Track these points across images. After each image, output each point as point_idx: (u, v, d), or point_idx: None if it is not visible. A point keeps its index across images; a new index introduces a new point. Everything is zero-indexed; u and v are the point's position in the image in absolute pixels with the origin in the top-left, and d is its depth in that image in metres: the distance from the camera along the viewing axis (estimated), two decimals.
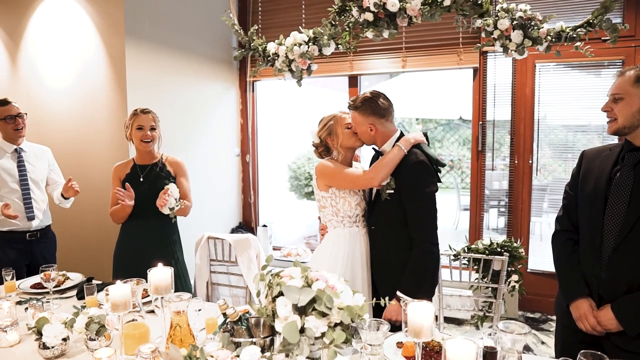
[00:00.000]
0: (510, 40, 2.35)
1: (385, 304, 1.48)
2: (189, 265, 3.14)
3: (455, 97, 7.10)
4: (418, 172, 2.04)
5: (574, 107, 4.00)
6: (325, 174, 2.20)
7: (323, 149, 2.29)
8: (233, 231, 4.91)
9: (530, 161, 3.99)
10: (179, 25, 4.06)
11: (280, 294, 1.42)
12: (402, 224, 2.07)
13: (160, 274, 1.68)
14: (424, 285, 2.05)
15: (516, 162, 4.04)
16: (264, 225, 4.80)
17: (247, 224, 5.05)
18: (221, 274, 3.14)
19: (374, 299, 2.16)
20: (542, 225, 5.74)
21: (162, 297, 1.68)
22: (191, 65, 4.25)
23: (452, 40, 4.04)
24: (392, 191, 2.06)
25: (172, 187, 2.53)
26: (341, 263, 2.20)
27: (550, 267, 4.00)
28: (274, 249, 4.86)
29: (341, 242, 2.23)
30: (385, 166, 2.07)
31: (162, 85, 3.93)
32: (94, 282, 2.58)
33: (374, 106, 2.11)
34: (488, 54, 4.02)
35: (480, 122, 4.10)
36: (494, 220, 5.53)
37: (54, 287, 2.40)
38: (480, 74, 4.05)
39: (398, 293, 2.02)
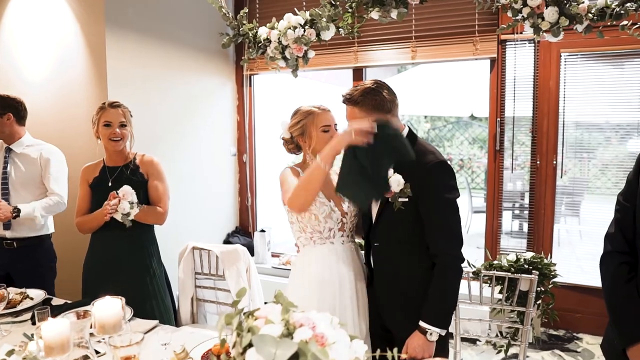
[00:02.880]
0: (543, 19, 1.98)
1: (393, 357, 1.12)
2: (174, 278, 2.80)
3: (467, 93, 6.71)
4: (439, 175, 1.70)
5: (599, 102, 3.60)
6: (280, 184, 1.91)
7: (293, 146, 1.97)
8: (229, 236, 4.57)
9: (555, 162, 3.60)
10: (167, 13, 3.71)
11: (252, 344, 1.07)
12: (416, 238, 1.73)
13: (107, 309, 1.33)
14: (452, 311, 1.71)
15: (538, 162, 3.65)
16: (262, 230, 4.45)
17: (244, 229, 4.70)
18: (207, 289, 2.80)
19: (381, 348, 1.82)
20: (560, 232, 5.34)
21: (109, 337, 1.33)
22: (182, 58, 3.90)
23: (468, 28, 3.66)
24: (407, 199, 1.70)
25: (125, 190, 2.21)
26: (316, 294, 1.84)
27: (575, 279, 3.62)
28: (272, 256, 4.51)
29: (312, 265, 1.88)
30: (303, 189, 1.75)
31: (148, 79, 3.58)
32: (55, 301, 2.24)
33: (379, 100, 1.74)
34: (507, 43, 3.63)
35: (498, 119, 3.71)
36: (508, 223, 5.16)
37: (8, 307, 2.09)
38: (498, 66, 3.67)
39: (422, 324, 1.67)
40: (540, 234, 3.69)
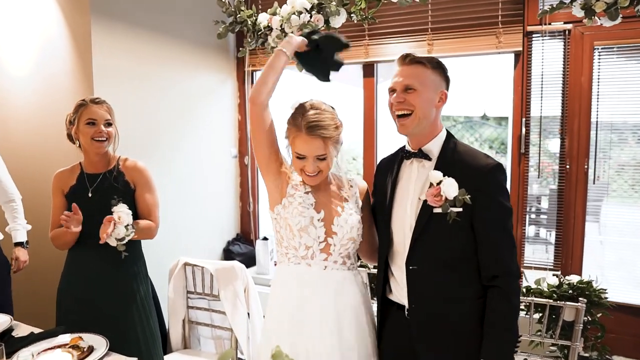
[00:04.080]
0: None
1: None
2: (163, 297, 2.50)
3: (480, 91, 6.38)
4: (500, 180, 1.43)
5: (631, 100, 3.25)
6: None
7: None
8: (229, 244, 4.26)
9: (586, 166, 3.26)
10: (161, 2, 3.40)
11: None
12: (466, 257, 1.44)
13: None
14: (517, 342, 1.44)
15: (568, 167, 3.31)
16: (265, 238, 4.13)
17: (245, 236, 4.40)
18: (201, 310, 2.49)
19: None
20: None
21: None
22: (177, 52, 3.58)
23: (490, 19, 3.33)
24: (461, 209, 1.40)
25: (121, 211, 1.88)
26: (289, 324, 1.55)
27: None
28: (275, 265, 4.19)
29: (288, 286, 1.58)
30: (263, 75, 1.60)
31: (140, 76, 3.27)
32: (22, 329, 1.94)
33: (447, 73, 1.57)
34: (534, 35, 3.29)
35: (524, 119, 3.38)
36: (530, 231, 4.85)
37: None
38: (523, 60, 3.33)
39: None
40: (569, 246, 3.35)
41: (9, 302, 2.55)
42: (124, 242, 1.93)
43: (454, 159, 1.48)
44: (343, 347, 1.54)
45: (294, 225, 1.54)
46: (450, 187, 1.39)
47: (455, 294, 1.46)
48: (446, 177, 1.41)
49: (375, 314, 1.70)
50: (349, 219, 1.61)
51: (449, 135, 1.55)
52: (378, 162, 1.80)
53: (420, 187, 1.50)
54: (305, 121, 1.54)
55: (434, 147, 1.51)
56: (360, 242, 1.71)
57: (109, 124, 2.08)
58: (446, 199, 1.39)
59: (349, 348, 1.56)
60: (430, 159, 1.51)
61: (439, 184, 1.41)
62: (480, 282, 1.46)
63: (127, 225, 1.91)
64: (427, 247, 1.47)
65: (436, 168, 1.47)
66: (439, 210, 1.42)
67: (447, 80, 1.56)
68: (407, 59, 1.52)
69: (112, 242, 1.91)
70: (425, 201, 1.45)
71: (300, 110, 1.59)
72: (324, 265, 1.57)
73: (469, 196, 1.38)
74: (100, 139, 2.05)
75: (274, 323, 1.60)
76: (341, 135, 1.61)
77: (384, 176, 1.66)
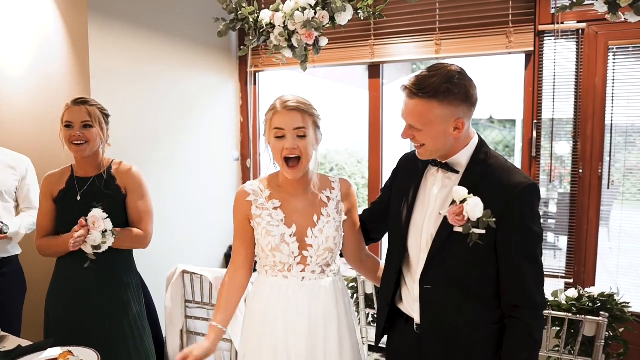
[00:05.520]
0: None
1: None
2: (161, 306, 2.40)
3: (487, 93, 6.29)
4: (531, 203, 1.30)
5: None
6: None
7: None
8: (231, 249, 4.16)
9: (600, 170, 3.15)
10: (160, 1, 3.31)
11: None
12: (486, 283, 1.33)
13: None
14: None
15: (581, 171, 3.20)
16: None
17: None
18: (200, 320, 2.39)
19: None
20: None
21: None
22: (177, 52, 3.49)
23: (500, 18, 3.23)
24: (484, 232, 1.28)
25: (95, 215, 1.79)
26: (270, 346, 1.50)
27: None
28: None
29: (258, 301, 1.56)
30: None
31: (138, 76, 3.18)
32: (10, 342, 1.84)
33: (468, 87, 1.31)
34: (546, 35, 3.19)
35: (535, 121, 3.26)
36: None
37: None
38: (535, 61, 3.22)
39: None
40: (582, 253, 3.24)
41: (19, 319, 2.44)
42: (101, 250, 1.82)
43: (483, 172, 1.35)
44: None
45: (265, 246, 1.51)
46: (476, 208, 1.26)
47: (471, 317, 1.35)
48: (471, 195, 1.28)
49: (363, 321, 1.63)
50: (325, 229, 1.54)
51: (481, 144, 1.40)
52: (401, 155, 1.64)
53: (442, 200, 1.39)
54: (281, 101, 1.50)
55: (462, 158, 1.38)
56: (346, 245, 1.66)
57: (87, 126, 1.96)
58: (469, 219, 1.27)
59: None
60: (457, 172, 1.38)
61: (462, 202, 1.28)
62: (500, 308, 1.35)
63: (105, 231, 1.81)
64: (444, 266, 1.36)
65: (462, 181, 1.35)
66: (459, 229, 1.30)
67: (464, 101, 1.32)
68: (409, 93, 1.32)
69: (88, 249, 1.81)
70: (445, 217, 1.34)
71: (278, 98, 1.54)
72: (301, 276, 1.53)
73: (494, 219, 1.25)
74: (75, 142, 1.95)
75: (245, 342, 1.59)
76: (319, 123, 1.54)
77: (406, 176, 1.54)
